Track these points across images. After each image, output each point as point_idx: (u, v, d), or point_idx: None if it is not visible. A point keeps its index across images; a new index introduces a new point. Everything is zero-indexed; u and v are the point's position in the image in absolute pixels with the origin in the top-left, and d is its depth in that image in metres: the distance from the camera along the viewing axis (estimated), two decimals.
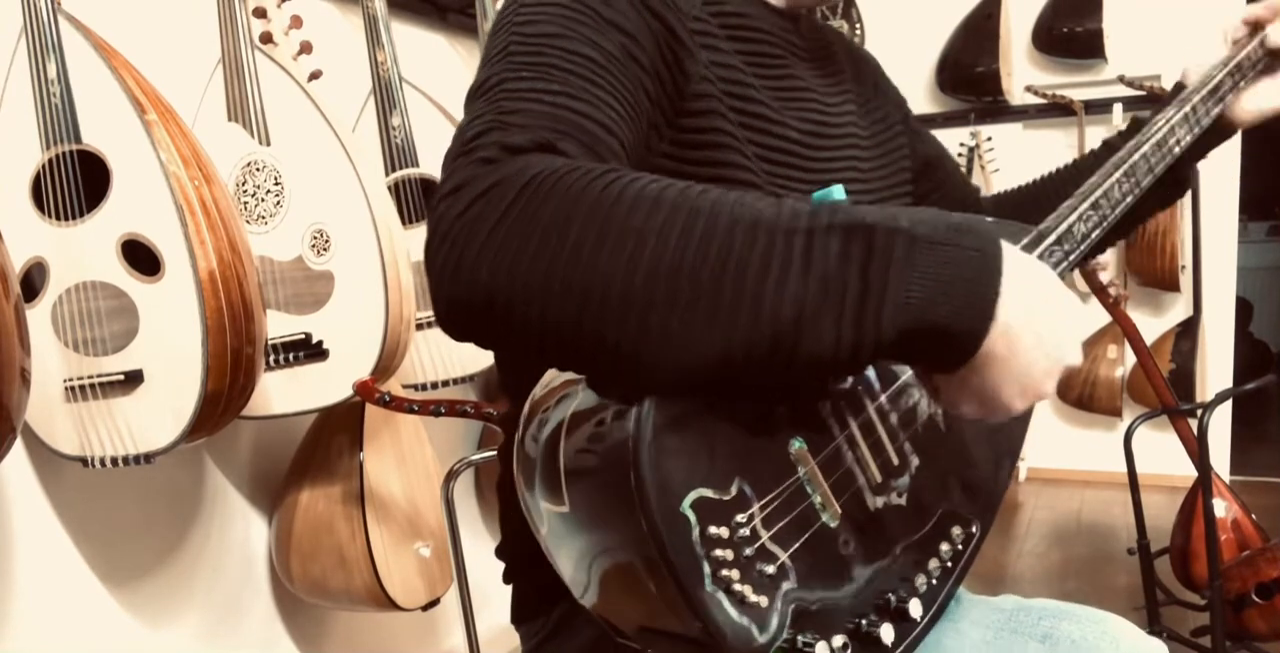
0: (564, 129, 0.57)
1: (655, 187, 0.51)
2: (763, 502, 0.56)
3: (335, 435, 1.56)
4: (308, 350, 1.35)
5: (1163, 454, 3.07)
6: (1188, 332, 3.29)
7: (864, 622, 0.61)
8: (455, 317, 0.53)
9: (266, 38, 1.48)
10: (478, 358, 1.66)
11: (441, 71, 2.02)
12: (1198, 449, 1.83)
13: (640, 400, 0.52)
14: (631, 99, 0.63)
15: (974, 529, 0.72)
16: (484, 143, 0.55)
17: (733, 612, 0.53)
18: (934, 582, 0.68)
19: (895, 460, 0.66)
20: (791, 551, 0.57)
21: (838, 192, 0.70)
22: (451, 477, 1.30)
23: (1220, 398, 1.86)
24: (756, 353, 0.49)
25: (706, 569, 0.52)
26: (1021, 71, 3.56)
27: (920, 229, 0.50)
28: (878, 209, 0.51)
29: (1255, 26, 0.96)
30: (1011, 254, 0.53)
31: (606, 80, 0.61)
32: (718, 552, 0.53)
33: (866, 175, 0.86)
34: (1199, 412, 1.81)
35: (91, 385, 1.18)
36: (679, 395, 0.52)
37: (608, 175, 0.51)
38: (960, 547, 0.71)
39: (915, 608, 0.64)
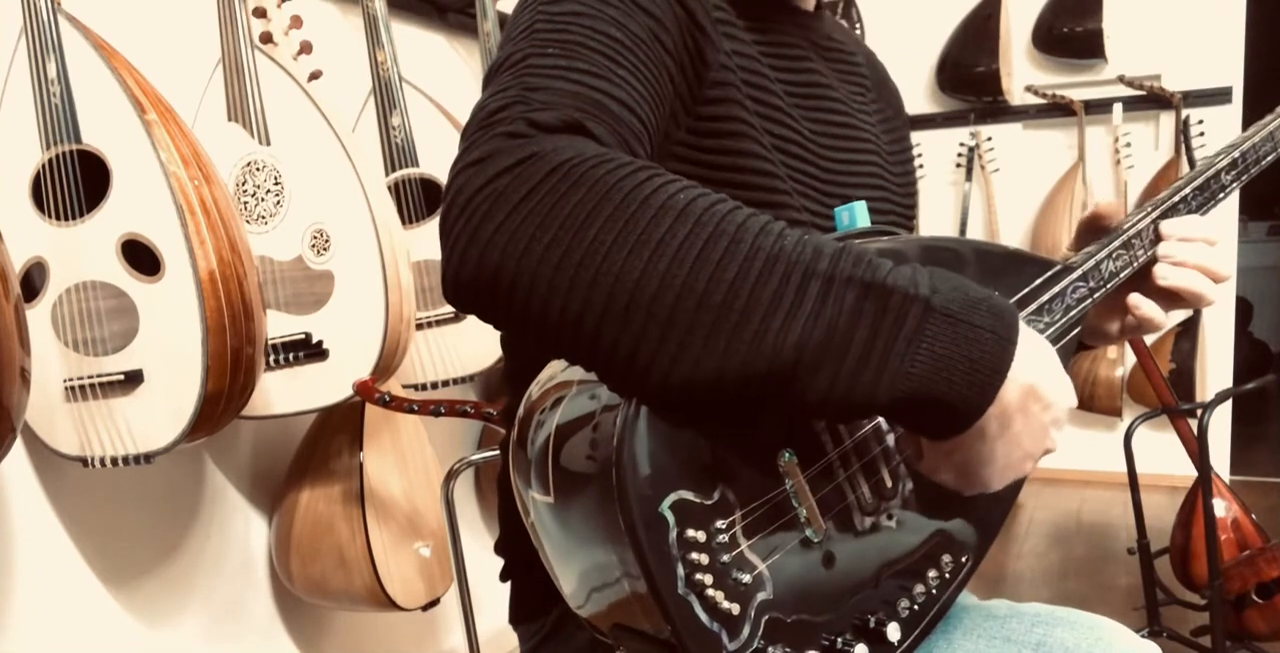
0: (590, 109, 0.56)
1: (685, 196, 0.50)
2: (745, 510, 0.56)
3: (335, 435, 1.56)
4: (308, 350, 1.35)
5: (1163, 454, 3.07)
6: (1188, 331, 3.29)
7: (839, 640, 0.60)
8: (461, 291, 0.52)
9: (266, 38, 1.48)
10: (478, 358, 1.66)
11: (441, 71, 2.02)
12: (1198, 449, 1.83)
13: (630, 401, 0.52)
14: (655, 82, 0.63)
15: (965, 559, 0.71)
16: (508, 116, 0.54)
17: (703, 617, 0.53)
18: (917, 607, 0.66)
19: (889, 483, 0.65)
20: (770, 562, 0.57)
21: (860, 208, 0.69)
22: (451, 477, 1.30)
23: (1220, 398, 1.86)
24: (751, 382, 0.49)
25: (680, 572, 0.52)
26: (1021, 71, 3.56)
27: (937, 299, 0.50)
28: (907, 269, 0.51)
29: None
30: (1025, 335, 0.53)
31: (631, 62, 0.61)
32: (693, 555, 0.53)
33: (888, 181, 0.85)
34: (1199, 412, 1.81)
35: (91, 385, 1.18)
36: (667, 405, 0.52)
37: (640, 173, 0.51)
38: (949, 575, 0.69)
39: (894, 632, 0.63)
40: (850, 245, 0.51)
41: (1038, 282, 0.73)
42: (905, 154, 0.91)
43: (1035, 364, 0.54)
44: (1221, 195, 0.83)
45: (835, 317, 0.49)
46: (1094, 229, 0.79)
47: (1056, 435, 0.57)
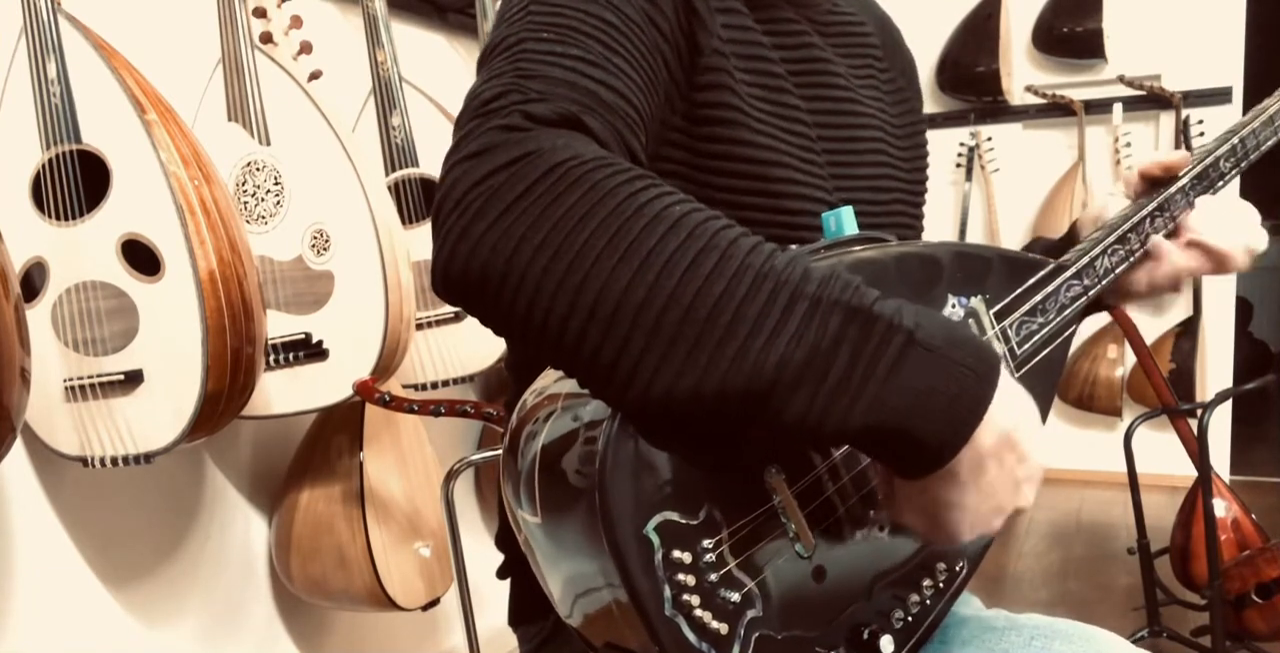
0: (586, 101, 0.56)
1: (679, 209, 0.50)
2: (732, 528, 0.55)
3: (335, 435, 1.56)
4: (308, 350, 1.35)
5: (1163, 454, 3.07)
6: (1188, 331, 3.29)
7: None
8: (450, 285, 0.52)
9: (266, 38, 1.47)
10: (478, 358, 1.66)
11: (441, 71, 2.02)
12: (1198, 449, 1.83)
13: (613, 419, 0.52)
14: (650, 69, 0.62)
15: (960, 567, 0.70)
16: (503, 106, 0.53)
17: (691, 637, 0.53)
18: (911, 618, 0.66)
19: (880, 494, 0.64)
20: (759, 579, 0.56)
21: (847, 214, 0.69)
22: (451, 477, 1.30)
23: (1220, 398, 1.86)
24: (729, 400, 0.49)
25: (667, 593, 0.52)
26: (1021, 71, 3.56)
27: (921, 333, 0.50)
28: (894, 301, 0.51)
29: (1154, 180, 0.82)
30: (1007, 383, 0.53)
31: (626, 48, 0.60)
32: (680, 576, 0.52)
33: (894, 159, 0.83)
34: (1199, 411, 1.81)
35: (91, 385, 1.18)
36: (645, 419, 0.51)
37: (637, 182, 0.51)
38: (943, 584, 0.69)
39: (888, 644, 0.62)
40: (840, 271, 0.51)
41: (1031, 281, 0.72)
42: (916, 127, 0.89)
43: (1014, 413, 0.53)
44: (1221, 184, 0.83)
45: (819, 339, 0.48)
46: (1157, 181, 0.79)
47: (1029, 493, 0.55)
